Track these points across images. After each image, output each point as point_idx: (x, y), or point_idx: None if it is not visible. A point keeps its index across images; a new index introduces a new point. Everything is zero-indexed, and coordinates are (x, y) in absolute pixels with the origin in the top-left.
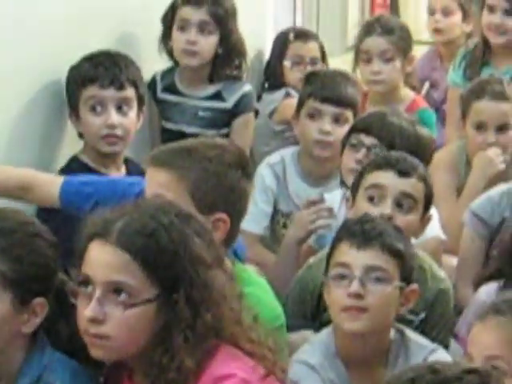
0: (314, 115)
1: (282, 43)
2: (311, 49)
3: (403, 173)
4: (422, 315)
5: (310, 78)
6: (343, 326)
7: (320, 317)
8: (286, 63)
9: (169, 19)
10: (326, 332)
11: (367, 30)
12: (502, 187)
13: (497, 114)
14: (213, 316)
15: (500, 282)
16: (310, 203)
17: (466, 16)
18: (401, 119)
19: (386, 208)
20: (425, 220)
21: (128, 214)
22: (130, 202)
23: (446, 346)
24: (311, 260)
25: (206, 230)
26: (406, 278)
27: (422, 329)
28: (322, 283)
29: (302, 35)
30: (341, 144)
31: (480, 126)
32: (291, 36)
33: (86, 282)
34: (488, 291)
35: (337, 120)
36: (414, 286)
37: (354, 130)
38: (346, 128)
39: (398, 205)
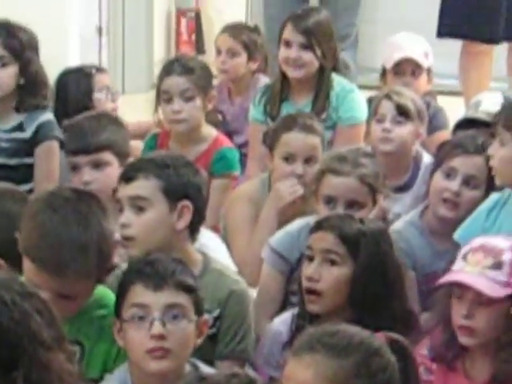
0: (74, 168)
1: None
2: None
3: (128, 179)
4: (216, 312)
5: (65, 130)
6: (149, 367)
7: None
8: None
9: None
10: (122, 369)
11: (167, 69)
12: (300, 222)
13: (306, 146)
14: None
15: (294, 311)
16: None
17: (251, 56)
18: None
19: (122, 217)
20: (180, 209)
21: None
22: None
23: (242, 355)
24: None
25: (48, 307)
26: (198, 311)
27: (219, 327)
28: None
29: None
30: None
31: (288, 158)
32: (94, 70)
33: None
34: (282, 320)
35: (96, 166)
36: (205, 317)
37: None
38: (109, 171)
39: (136, 208)
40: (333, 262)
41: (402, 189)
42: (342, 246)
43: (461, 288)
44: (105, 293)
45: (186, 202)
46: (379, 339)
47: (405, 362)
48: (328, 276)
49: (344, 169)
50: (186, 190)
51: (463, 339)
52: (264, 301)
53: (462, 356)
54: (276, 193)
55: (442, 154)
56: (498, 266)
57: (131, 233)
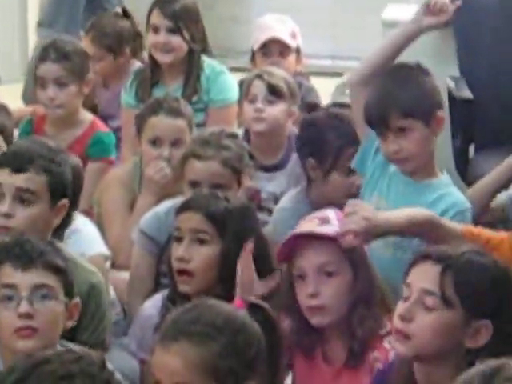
0: None
1: None
2: None
3: (18, 169)
4: None
5: None
6: (16, 346)
7: None
8: None
9: None
10: None
11: (42, 55)
12: (167, 203)
13: (172, 130)
14: None
15: (164, 292)
16: None
17: (117, 55)
18: None
19: (5, 206)
20: (59, 207)
21: None
22: None
23: (103, 345)
24: None
25: None
26: (69, 293)
27: (78, 322)
28: None
29: None
30: None
31: (155, 142)
32: None
33: None
34: (153, 303)
35: None
36: (77, 299)
37: None
38: None
39: (20, 200)
40: (202, 242)
41: (277, 168)
42: (210, 225)
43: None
44: None
45: (65, 201)
46: (242, 312)
47: (266, 325)
48: (198, 256)
49: (206, 153)
50: (67, 189)
51: (314, 320)
52: (136, 283)
53: (320, 340)
54: (148, 177)
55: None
56: (325, 221)
57: (12, 224)
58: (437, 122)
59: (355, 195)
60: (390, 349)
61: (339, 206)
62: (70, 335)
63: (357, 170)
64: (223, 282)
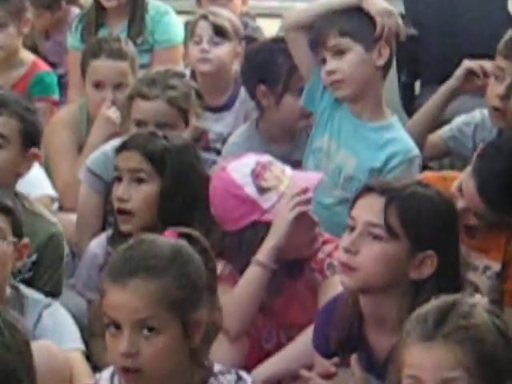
0: None
1: None
2: None
3: None
4: (34, 257)
5: None
6: None
7: None
8: None
9: None
10: None
11: None
12: (115, 142)
13: (114, 73)
14: None
15: (109, 232)
16: None
17: (54, 11)
18: None
19: None
20: (29, 155)
21: None
22: None
23: (58, 294)
24: None
25: None
26: (17, 233)
27: (35, 271)
28: None
29: None
30: None
31: (98, 85)
32: None
33: None
34: (98, 242)
35: None
36: (26, 240)
37: None
38: None
39: None
40: (140, 181)
41: (223, 108)
42: (148, 164)
43: None
44: None
45: (35, 150)
46: (182, 242)
47: (202, 253)
48: (137, 195)
49: (152, 93)
50: (38, 138)
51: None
52: (83, 221)
53: None
54: (104, 119)
55: None
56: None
57: None
58: (379, 53)
59: (309, 117)
60: (324, 258)
61: (293, 131)
62: (27, 283)
63: (306, 107)
64: (163, 221)
